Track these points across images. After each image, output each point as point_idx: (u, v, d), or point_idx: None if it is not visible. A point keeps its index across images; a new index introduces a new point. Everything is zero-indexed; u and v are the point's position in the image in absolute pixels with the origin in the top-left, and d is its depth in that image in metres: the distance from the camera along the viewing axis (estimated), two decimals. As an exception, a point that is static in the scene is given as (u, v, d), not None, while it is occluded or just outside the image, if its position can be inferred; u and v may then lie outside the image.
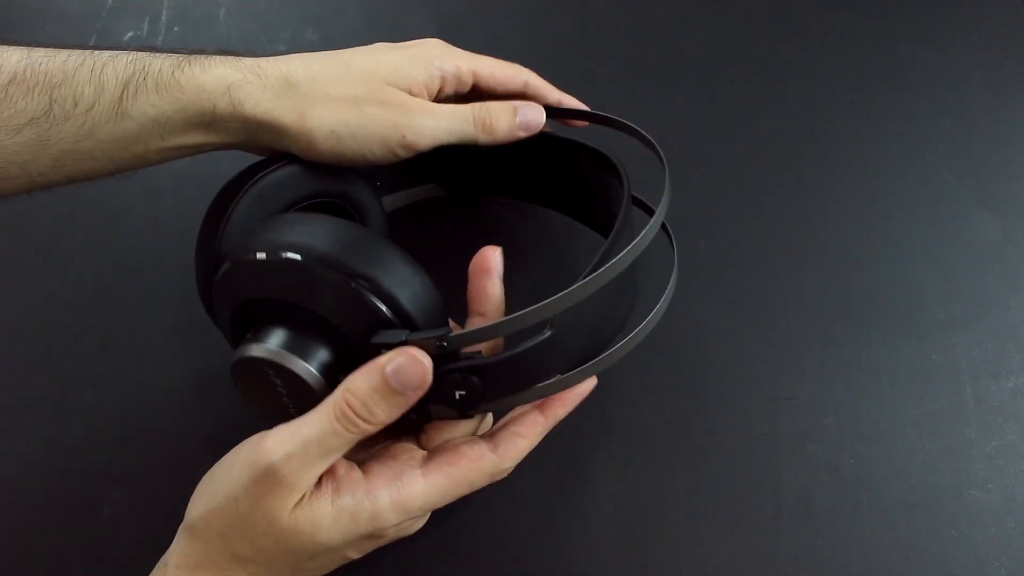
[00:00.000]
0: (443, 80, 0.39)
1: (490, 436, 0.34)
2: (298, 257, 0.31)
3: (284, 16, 0.58)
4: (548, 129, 0.42)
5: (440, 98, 0.40)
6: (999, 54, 0.55)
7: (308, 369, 0.31)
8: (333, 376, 0.32)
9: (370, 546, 0.33)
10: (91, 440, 0.42)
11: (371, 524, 0.31)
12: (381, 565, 0.38)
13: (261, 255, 0.31)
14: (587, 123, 0.43)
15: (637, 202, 0.41)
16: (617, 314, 0.37)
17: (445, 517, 0.40)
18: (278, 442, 0.30)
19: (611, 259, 0.32)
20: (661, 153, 0.38)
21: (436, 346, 0.30)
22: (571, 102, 0.43)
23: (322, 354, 0.32)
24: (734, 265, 0.47)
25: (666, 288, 0.37)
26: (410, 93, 0.38)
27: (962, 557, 0.38)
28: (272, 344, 0.31)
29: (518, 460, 0.34)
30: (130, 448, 0.41)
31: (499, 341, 0.34)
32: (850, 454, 0.41)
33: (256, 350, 0.31)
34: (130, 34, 0.57)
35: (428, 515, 0.34)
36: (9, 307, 0.46)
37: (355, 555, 0.33)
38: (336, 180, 0.39)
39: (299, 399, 0.32)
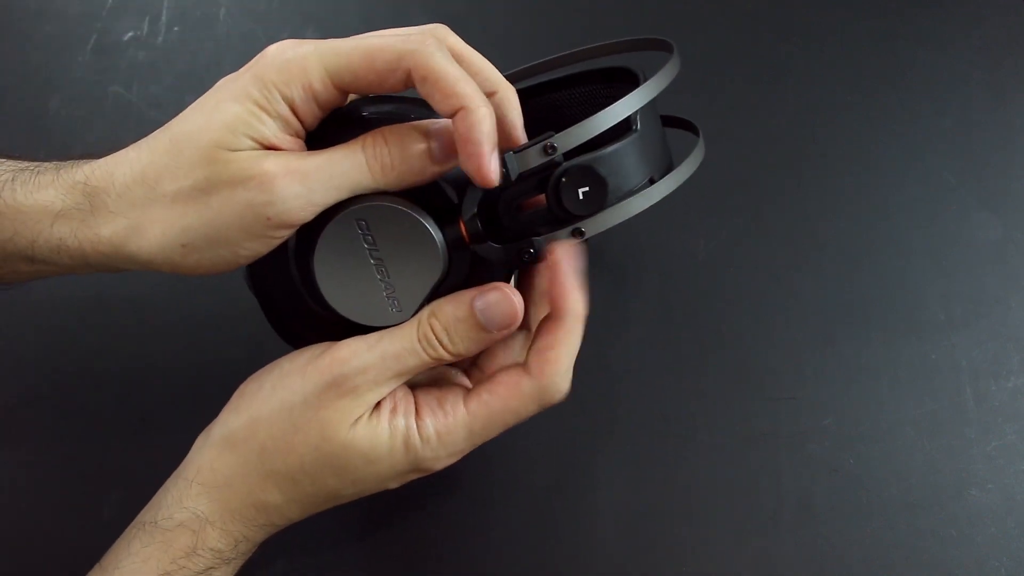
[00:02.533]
0: (295, 108, 0.29)
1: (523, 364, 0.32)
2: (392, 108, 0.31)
3: (284, 16, 0.58)
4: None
5: (309, 125, 0.30)
6: (999, 54, 0.55)
7: (432, 221, 0.30)
8: (444, 227, 0.31)
9: (412, 477, 0.32)
10: (91, 440, 0.42)
11: (416, 455, 0.30)
12: (382, 564, 0.39)
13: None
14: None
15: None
16: (666, 147, 0.37)
17: (445, 516, 0.40)
18: (353, 352, 0.29)
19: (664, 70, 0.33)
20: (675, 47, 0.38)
21: (543, 150, 0.29)
22: (473, 96, 0.28)
23: (431, 204, 0.31)
24: (734, 265, 0.47)
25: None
26: (265, 146, 0.28)
27: (962, 557, 0.38)
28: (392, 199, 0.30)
29: (559, 375, 0.31)
30: (130, 448, 0.41)
31: None
32: (850, 454, 0.41)
33: (385, 199, 0.29)
34: (130, 34, 0.56)
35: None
36: (8, 307, 0.46)
37: (394, 485, 0.32)
38: None
39: (405, 264, 0.30)
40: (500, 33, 0.57)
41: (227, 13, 0.58)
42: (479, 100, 0.28)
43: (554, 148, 0.29)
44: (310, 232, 0.30)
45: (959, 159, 0.51)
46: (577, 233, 0.31)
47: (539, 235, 0.31)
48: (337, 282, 0.31)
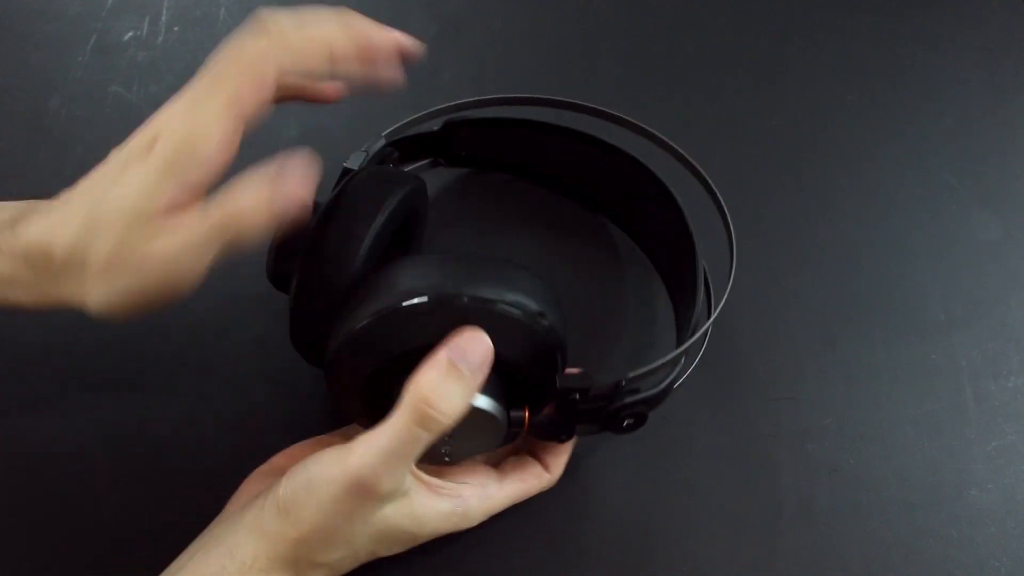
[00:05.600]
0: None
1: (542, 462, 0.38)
2: (493, 297, 0.31)
3: (284, 16, 0.58)
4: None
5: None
6: (999, 54, 0.55)
7: (502, 411, 0.33)
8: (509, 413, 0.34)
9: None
10: (91, 440, 0.42)
11: (462, 522, 0.36)
12: (382, 567, 0.38)
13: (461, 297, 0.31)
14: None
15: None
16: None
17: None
18: (360, 457, 0.31)
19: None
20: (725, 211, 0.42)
21: (613, 385, 0.33)
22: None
23: (502, 393, 0.34)
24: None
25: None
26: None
27: (962, 557, 0.38)
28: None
29: (561, 471, 0.38)
30: (131, 448, 0.41)
31: None
32: (850, 454, 0.41)
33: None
34: (130, 34, 0.56)
35: None
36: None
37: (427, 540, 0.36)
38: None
39: (471, 436, 0.33)
40: (500, 33, 0.57)
41: (227, 13, 0.58)
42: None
43: (622, 385, 0.33)
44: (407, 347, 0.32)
45: (959, 159, 0.51)
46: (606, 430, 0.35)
47: (577, 426, 0.35)
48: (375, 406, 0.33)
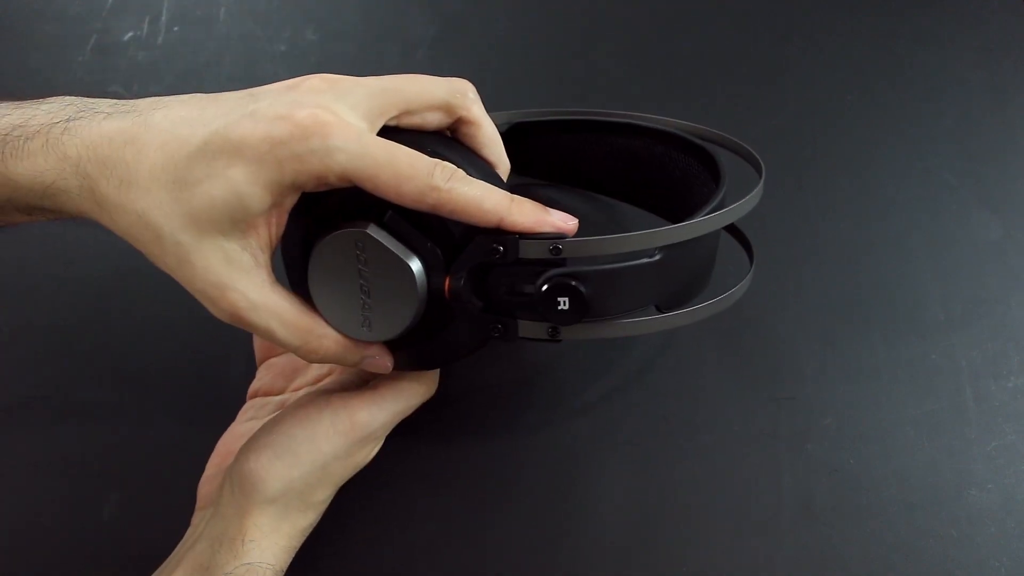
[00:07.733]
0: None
1: None
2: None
3: (284, 16, 0.58)
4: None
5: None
6: (999, 54, 0.55)
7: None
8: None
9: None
10: (91, 440, 0.42)
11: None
12: (380, 566, 0.39)
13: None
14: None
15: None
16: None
17: (445, 518, 0.40)
18: (371, 414, 0.34)
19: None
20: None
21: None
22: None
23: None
24: (734, 265, 0.47)
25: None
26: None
27: (962, 557, 0.38)
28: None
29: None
30: (130, 448, 0.41)
31: None
32: (850, 454, 0.41)
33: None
34: (130, 34, 0.56)
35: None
36: (9, 306, 0.46)
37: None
38: None
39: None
40: (500, 33, 0.57)
41: (227, 13, 0.58)
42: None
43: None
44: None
45: (959, 159, 0.51)
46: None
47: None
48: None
